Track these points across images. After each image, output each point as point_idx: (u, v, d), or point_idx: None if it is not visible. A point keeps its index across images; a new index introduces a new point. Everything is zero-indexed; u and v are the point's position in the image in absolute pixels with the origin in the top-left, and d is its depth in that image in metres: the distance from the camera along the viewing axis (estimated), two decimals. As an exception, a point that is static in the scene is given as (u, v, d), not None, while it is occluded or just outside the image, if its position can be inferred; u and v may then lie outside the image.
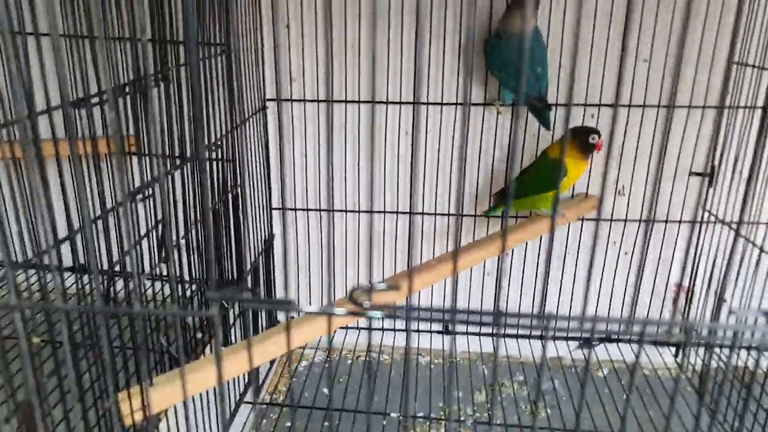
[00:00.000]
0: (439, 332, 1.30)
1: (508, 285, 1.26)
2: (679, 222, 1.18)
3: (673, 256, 1.21)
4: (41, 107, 0.64)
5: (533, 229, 1.06)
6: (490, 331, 1.28)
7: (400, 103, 1.14)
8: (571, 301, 1.25)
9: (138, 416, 0.67)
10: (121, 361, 0.80)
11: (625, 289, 1.24)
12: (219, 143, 0.91)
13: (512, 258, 1.24)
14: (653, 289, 1.24)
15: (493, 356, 1.31)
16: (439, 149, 1.17)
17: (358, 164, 1.19)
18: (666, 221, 1.18)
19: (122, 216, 0.41)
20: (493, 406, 1.14)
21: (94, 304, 0.40)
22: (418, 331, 1.30)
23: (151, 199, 0.75)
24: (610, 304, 1.26)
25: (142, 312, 0.39)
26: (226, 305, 0.98)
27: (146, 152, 0.79)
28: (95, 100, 0.67)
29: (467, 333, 1.30)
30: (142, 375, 0.55)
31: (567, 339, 1.28)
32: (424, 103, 1.14)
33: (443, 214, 1.21)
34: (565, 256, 1.23)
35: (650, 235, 1.20)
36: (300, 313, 1.29)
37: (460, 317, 0.36)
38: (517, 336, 1.28)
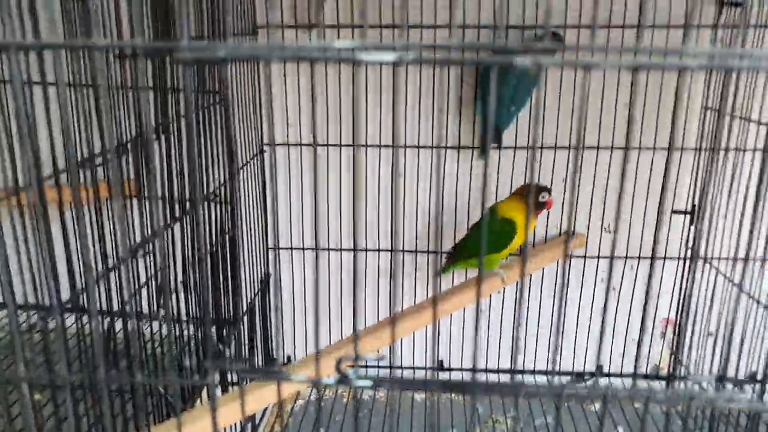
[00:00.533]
0: (433, 369, 1.32)
1: (499, 324, 1.28)
2: (664, 258, 1.21)
3: (659, 292, 1.24)
4: (45, 154, 0.67)
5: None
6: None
7: (379, 146, 1.19)
8: (561, 337, 1.28)
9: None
10: (120, 403, 0.82)
11: (615, 323, 1.27)
12: (217, 192, 0.95)
13: (504, 296, 1.27)
14: (642, 324, 1.26)
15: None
16: (430, 191, 1.21)
17: (353, 205, 1.23)
18: (652, 258, 1.21)
19: (123, 273, 0.44)
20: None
21: (97, 373, 0.42)
22: (412, 368, 1.32)
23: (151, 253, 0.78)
24: (601, 339, 1.28)
25: (143, 382, 0.42)
26: (221, 348, 1.00)
27: (146, 197, 0.81)
28: (99, 160, 0.71)
29: (465, 369, 1.32)
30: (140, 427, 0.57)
31: (559, 374, 1.30)
32: (414, 146, 1.18)
33: (434, 252, 1.24)
34: (553, 294, 1.26)
35: (637, 271, 1.23)
36: (295, 360, 1.30)
37: (440, 378, 0.39)
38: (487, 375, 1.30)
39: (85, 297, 0.61)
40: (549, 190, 1.03)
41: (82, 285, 0.61)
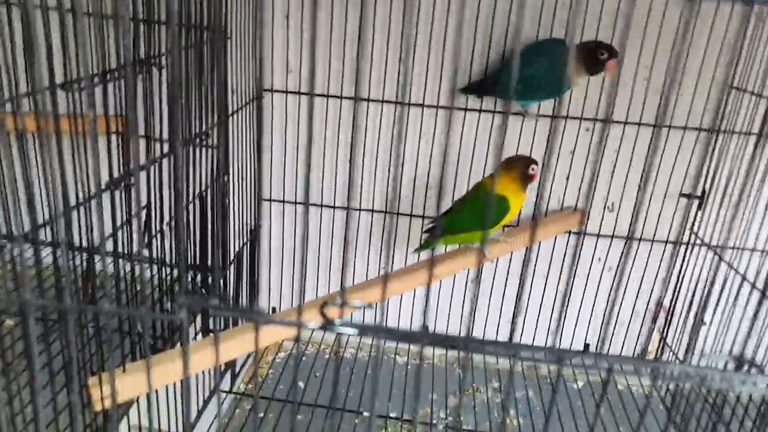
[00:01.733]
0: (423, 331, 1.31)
1: (489, 298, 1.26)
2: (665, 242, 1.18)
3: (656, 276, 1.21)
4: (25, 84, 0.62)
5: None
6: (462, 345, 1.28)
7: (381, 101, 1.13)
8: (551, 313, 1.26)
9: (107, 403, 0.67)
10: (96, 343, 0.79)
11: (607, 304, 1.25)
12: (209, 132, 0.90)
13: (495, 268, 1.24)
14: (634, 306, 1.25)
15: (470, 360, 1.32)
16: (432, 149, 1.16)
17: (350, 160, 1.18)
18: (652, 240, 1.18)
19: (96, 207, 0.40)
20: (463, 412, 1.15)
21: (64, 302, 0.39)
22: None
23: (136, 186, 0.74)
24: (590, 319, 1.26)
25: (113, 311, 0.39)
26: (205, 292, 0.98)
27: (127, 136, 0.77)
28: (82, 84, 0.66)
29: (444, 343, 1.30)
30: (108, 365, 0.54)
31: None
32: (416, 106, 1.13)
33: (429, 217, 1.21)
34: (549, 269, 1.23)
35: (636, 253, 1.20)
36: (269, 306, 1.28)
37: (430, 338, 0.36)
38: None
39: (56, 229, 0.57)
40: (537, 162, 0.98)
41: (52, 216, 0.57)
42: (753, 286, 0.97)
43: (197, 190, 0.93)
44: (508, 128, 1.14)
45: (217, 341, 0.56)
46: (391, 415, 1.12)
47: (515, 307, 1.21)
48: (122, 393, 0.64)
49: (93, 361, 0.78)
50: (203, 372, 0.99)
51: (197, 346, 0.72)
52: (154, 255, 0.84)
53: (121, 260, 0.74)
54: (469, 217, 0.99)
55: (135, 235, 0.74)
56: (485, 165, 1.16)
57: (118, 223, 0.74)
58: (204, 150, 0.92)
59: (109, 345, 0.63)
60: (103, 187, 0.66)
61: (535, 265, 1.23)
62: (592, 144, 1.14)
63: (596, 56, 0.96)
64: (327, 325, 0.37)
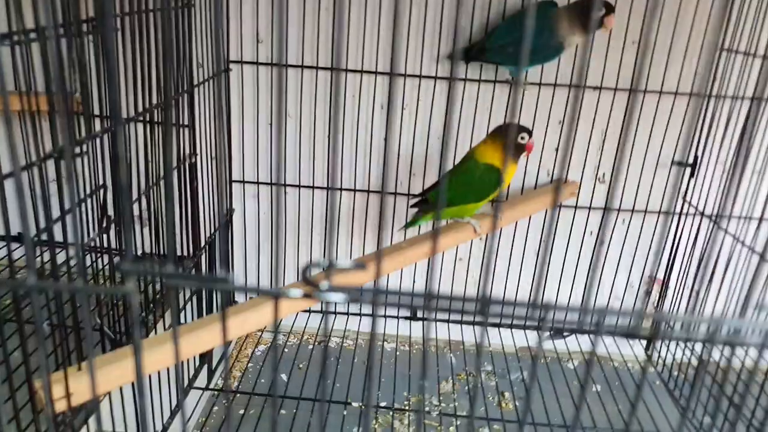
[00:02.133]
0: (406, 318, 1.24)
1: (493, 270, 1.21)
2: (658, 212, 1.15)
3: (650, 247, 1.18)
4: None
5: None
6: (464, 319, 1.23)
7: (375, 72, 1.06)
8: (558, 289, 1.21)
9: (62, 405, 0.59)
10: (51, 341, 0.70)
11: (600, 279, 1.21)
12: (163, 105, 0.81)
13: (485, 244, 1.19)
14: (628, 279, 1.21)
15: (461, 345, 1.27)
16: (415, 121, 1.10)
17: (330, 137, 1.11)
18: (645, 211, 1.14)
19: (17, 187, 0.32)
20: (475, 399, 1.10)
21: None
22: (384, 316, 1.24)
23: (88, 159, 0.65)
24: (584, 293, 1.22)
25: (38, 287, 0.31)
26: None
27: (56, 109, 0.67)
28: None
29: (441, 320, 1.24)
30: (41, 367, 0.46)
31: (538, 329, 1.24)
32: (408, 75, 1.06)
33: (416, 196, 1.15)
34: (539, 244, 1.18)
35: (629, 225, 1.16)
36: (246, 294, 1.20)
37: (434, 303, 0.28)
38: (499, 325, 1.23)
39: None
40: (529, 132, 0.91)
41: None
42: (751, 249, 0.93)
43: (161, 172, 0.84)
44: (494, 98, 1.08)
45: (176, 327, 0.49)
46: (381, 404, 1.05)
47: (538, 269, 1.16)
48: (77, 394, 0.56)
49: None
50: (181, 365, 0.91)
51: (162, 338, 0.65)
52: (111, 244, 0.75)
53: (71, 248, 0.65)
54: (458, 190, 0.93)
55: (69, 220, 0.66)
56: (471, 136, 1.10)
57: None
58: (160, 127, 0.82)
59: (46, 340, 0.55)
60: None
61: (526, 240, 1.18)
62: (584, 113, 1.09)
63: (592, 13, 0.90)
64: (312, 290, 0.30)
